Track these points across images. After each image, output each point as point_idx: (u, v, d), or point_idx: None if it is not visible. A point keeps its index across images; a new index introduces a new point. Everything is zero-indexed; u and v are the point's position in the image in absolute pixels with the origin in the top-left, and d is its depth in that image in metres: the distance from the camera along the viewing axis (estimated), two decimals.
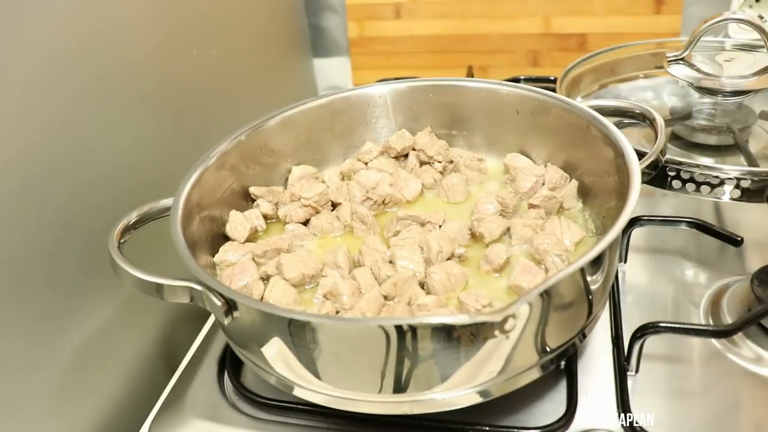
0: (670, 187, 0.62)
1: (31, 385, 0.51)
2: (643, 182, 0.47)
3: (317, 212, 0.60)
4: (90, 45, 0.54)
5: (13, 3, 0.46)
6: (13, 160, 0.47)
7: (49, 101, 0.50)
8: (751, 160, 0.67)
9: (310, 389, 0.45)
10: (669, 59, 0.73)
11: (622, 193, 0.47)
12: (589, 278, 0.44)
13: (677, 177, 0.61)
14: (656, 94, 0.87)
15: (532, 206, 0.57)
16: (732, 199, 0.60)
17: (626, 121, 0.60)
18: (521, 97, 0.63)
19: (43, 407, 0.52)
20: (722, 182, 0.59)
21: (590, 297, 0.45)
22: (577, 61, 0.83)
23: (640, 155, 0.50)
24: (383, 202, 0.61)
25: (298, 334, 0.41)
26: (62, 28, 0.51)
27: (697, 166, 0.60)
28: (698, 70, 0.71)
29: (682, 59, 0.73)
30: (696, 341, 0.54)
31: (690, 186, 0.61)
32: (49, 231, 0.51)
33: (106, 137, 0.57)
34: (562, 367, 0.52)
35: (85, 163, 0.54)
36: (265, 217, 0.61)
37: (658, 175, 0.59)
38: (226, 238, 0.58)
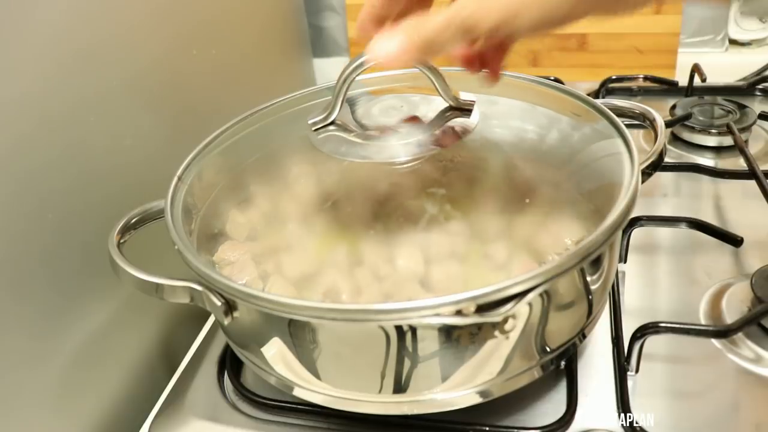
0: None
1: (32, 383, 0.51)
2: (642, 182, 0.47)
3: None
4: (91, 46, 0.54)
5: (16, 4, 0.46)
6: (13, 159, 0.47)
7: (50, 102, 0.50)
8: (751, 161, 0.67)
9: (310, 389, 0.45)
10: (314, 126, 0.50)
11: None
12: (588, 278, 0.44)
13: None
14: None
15: None
16: None
17: (626, 121, 0.60)
18: None
19: (44, 405, 0.52)
20: None
21: (590, 297, 0.45)
22: None
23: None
24: None
25: (298, 333, 0.41)
26: (64, 30, 0.51)
27: None
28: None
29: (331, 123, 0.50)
30: (696, 341, 0.54)
31: None
32: (49, 230, 0.51)
33: (106, 137, 0.57)
34: (562, 367, 0.52)
35: (86, 163, 0.54)
36: None
37: None
38: (226, 238, 0.58)
